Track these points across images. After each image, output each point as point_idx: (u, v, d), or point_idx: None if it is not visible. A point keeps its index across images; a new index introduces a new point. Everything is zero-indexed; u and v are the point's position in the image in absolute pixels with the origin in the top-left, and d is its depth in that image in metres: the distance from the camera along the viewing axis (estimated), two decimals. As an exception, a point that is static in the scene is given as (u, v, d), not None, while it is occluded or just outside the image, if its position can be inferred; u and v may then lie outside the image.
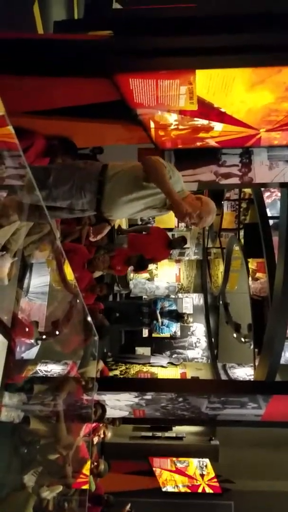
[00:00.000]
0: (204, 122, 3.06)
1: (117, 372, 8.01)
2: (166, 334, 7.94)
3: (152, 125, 3.18)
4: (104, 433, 5.00)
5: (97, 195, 2.64)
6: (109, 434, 5.09)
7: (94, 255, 5.54)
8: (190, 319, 8.05)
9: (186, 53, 2.42)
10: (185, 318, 7.66)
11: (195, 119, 3.01)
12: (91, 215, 5.53)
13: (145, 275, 11.11)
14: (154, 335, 10.39)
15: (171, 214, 2.92)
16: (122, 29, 2.54)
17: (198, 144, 3.54)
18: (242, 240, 7.08)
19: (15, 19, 3.29)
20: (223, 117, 2.97)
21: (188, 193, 2.75)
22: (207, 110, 2.85)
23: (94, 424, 4.64)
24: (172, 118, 3.03)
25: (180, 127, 3.17)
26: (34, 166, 2.42)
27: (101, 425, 4.92)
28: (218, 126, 3.14)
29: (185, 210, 2.51)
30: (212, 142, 3.50)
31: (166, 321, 7.33)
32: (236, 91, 2.62)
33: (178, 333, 10.68)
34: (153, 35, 2.49)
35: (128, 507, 3.75)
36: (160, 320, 7.23)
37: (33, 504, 3.54)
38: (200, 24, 2.41)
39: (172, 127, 3.19)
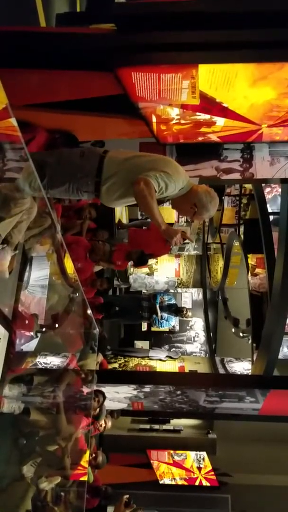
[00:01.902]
0: (206, 117, 3.06)
1: (116, 365, 8.05)
2: (165, 328, 7.97)
3: (154, 119, 3.18)
4: (105, 421, 5.03)
5: (94, 192, 2.61)
6: (109, 423, 5.13)
7: (93, 243, 5.54)
8: (189, 313, 8.08)
9: (189, 48, 2.42)
10: (184, 312, 7.69)
11: (197, 113, 3.01)
12: (92, 209, 5.58)
13: (145, 269, 11.13)
14: (153, 329, 10.43)
15: (171, 209, 2.93)
16: (125, 23, 2.53)
17: (200, 139, 3.54)
18: (242, 236, 7.10)
19: (18, 12, 3.29)
20: (225, 112, 2.97)
21: (192, 184, 2.73)
22: (209, 104, 2.85)
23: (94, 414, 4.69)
24: (174, 113, 3.03)
25: (182, 121, 3.17)
26: (31, 154, 2.36)
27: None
28: (220, 121, 3.14)
29: (175, 237, 2.50)
30: (213, 137, 3.50)
31: (165, 315, 7.36)
32: (239, 87, 2.62)
33: (177, 328, 10.71)
34: (156, 29, 2.48)
35: (125, 497, 3.78)
36: (159, 314, 7.26)
37: (32, 495, 3.58)
38: (204, 19, 2.41)
39: (174, 121, 3.19)
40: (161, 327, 7.67)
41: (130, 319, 7.95)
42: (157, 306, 7.26)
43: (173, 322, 7.82)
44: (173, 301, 7.66)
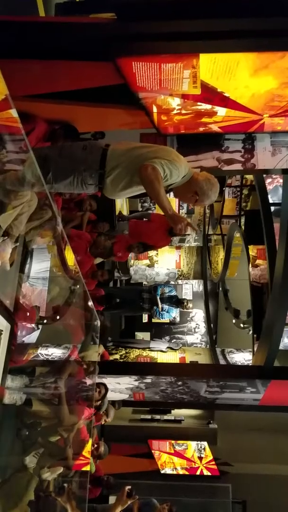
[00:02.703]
0: (207, 106, 3.04)
1: (117, 356, 8.09)
2: (166, 319, 7.96)
3: (154, 109, 3.16)
4: (106, 414, 5.07)
5: (98, 184, 2.63)
6: (111, 416, 5.15)
7: (95, 239, 5.55)
8: (190, 305, 8.07)
9: (190, 37, 2.40)
10: (185, 303, 7.69)
11: (198, 103, 2.99)
12: (92, 201, 5.56)
13: (146, 261, 11.13)
14: (154, 320, 10.46)
15: (172, 200, 2.93)
16: (125, 12, 2.50)
17: (201, 129, 3.52)
18: (243, 227, 7.08)
19: (17, 2, 3.25)
20: (226, 102, 2.95)
21: (193, 172, 2.72)
22: (210, 94, 2.83)
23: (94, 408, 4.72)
24: (175, 103, 3.01)
25: (183, 111, 3.15)
26: (34, 150, 2.37)
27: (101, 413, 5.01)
28: (221, 111, 3.12)
29: (182, 223, 2.51)
30: (215, 127, 3.48)
31: (166, 307, 7.37)
32: (240, 76, 2.60)
33: (178, 319, 10.73)
34: (156, 18, 2.46)
35: (128, 488, 3.80)
36: (160, 305, 7.26)
37: (34, 486, 3.61)
38: (205, 7, 2.38)
39: (175, 111, 3.17)
40: (162, 318, 7.67)
41: (131, 311, 7.95)
42: (158, 297, 7.26)
43: (174, 313, 7.81)
44: (173, 293, 7.66)
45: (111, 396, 5.11)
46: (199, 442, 7.86)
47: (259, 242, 5.82)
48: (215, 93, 2.81)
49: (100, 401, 4.75)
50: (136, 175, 2.51)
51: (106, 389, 4.77)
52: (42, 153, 2.62)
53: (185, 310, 8.69)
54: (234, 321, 7.30)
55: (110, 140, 3.63)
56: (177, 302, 7.52)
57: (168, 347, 8.67)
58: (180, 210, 10.19)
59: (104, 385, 4.79)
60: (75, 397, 4.58)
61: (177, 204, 9.68)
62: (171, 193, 2.86)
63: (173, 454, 7.80)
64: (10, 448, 3.68)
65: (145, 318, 10.61)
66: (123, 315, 9.63)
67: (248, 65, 2.50)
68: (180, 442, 7.91)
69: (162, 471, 7.72)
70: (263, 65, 2.49)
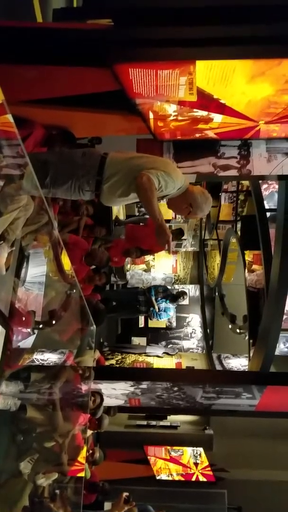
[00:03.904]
0: (204, 113, 3.06)
1: (113, 362, 8.06)
2: (164, 319, 7.82)
3: (151, 115, 3.17)
4: (99, 424, 5.02)
5: (95, 191, 2.65)
6: (105, 423, 5.12)
7: (92, 249, 5.54)
8: (185, 297, 7.98)
9: (187, 44, 2.41)
10: (181, 298, 7.57)
11: (195, 110, 3.00)
12: (89, 206, 5.56)
13: (142, 266, 11.13)
14: (150, 325, 10.45)
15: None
16: (122, 19, 2.52)
17: (197, 135, 3.54)
18: (239, 232, 7.10)
19: (14, 7, 3.26)
20: (222, 108, 2.96)
21: (188, 185, 2.75)
22: (206, 101, 2.84)
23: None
24: (171, 109, 3.02)
25: (179, 118, 3.17)
26: (32, 155, 2.38)
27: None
28: (217, 118, 3.14)
29: (167, 237, 2.53)
30: (211, 134, 3.50)
31: (162, 306, 7.29)
32: (236, 83, 2.61)
33: (174, 324, 10.73)
34: (153, 25, 2.47)
35: (125, 495, 3.78)
36: (156, 306, 7.21)
37: (29, 492, 3.59)
38: (201, 14, 2.40)
39: (171, 118, 3.18)
40: (160, 318, 7.57)
41: (128, 313, 7.90)
42: (153, 298, 7.22)
43: (172, 312, 7.69)
44: (168, 292, 7.55)
45: (107, 402, 5.08)
46: (195, 448, 7.83)
47: (255, 247, 5.83)
48: (211, 99, 2.82)
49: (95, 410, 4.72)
50: (133, 184, 2.54)
51: (102, 399, 4.73)
52: (41, 158, 2.64)
53: (182, 303, 8.59)
54: (230, 326, 7.30)
55: (107, 146, 3.65)
56: (173, 298, 7.44)
57: (164, 353, 8.65)
58: (177, 215, 10.21)
59: (100, 394, 4.75)
60: (70, 403, 4.55)
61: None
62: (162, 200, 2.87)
63: (169, 460, 7.77)
64: (4, 454, 3.65)
65: (141, 323, 10.60)
66: (120, 318, 9.59)
67: (245, 72, 2.52)
68: (176, 448, 7.87)
69: (158, 477, 7.68)
70: (259, 72, 2.50)
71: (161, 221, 2.53)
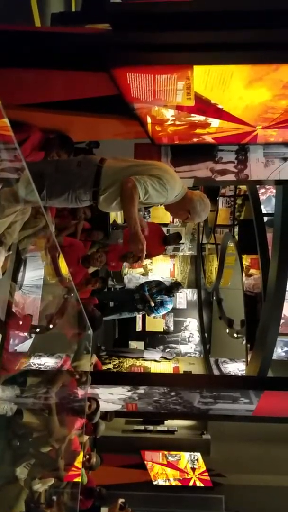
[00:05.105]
0: (201, 118, 3.06)
1: (110, 366, 8.03)
2: (163, 313, 7.61)
3: (149, 120, 3.17)
4: (95, 430, 4.99)
5: (92, 201, 2.65)
6: (102, 428, 5.09)
7: (91, 252, 5.54)
8: (181, 288, 7.84)
9: (184, 49, 2.42)
10: (175, 288, 7.41)
11: (192, 115, 3.01)
12: (87, 210, 5.56)
13: (140, 270, 11.13)
14: (148, 329, 10.43)
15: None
16: (120, 23, 2.52)
17: (195, 140, 3.54)
18: (237, 237, 7.11)
19: (12, 11, 3.26)
20: (220, 113, 2.97)
21: (187, 190, 2.76)
22: (204, 106, 2.85)
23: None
24: (169, 114, 3.03)
25: (177, 122, 3.17)
26: (28, 166, 2.37)
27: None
28: (215, 123, 3.14)
29: (140, 246, 2.53)
30: (208, 139, 3.50)
31: (158, 300, 7.20)
32: (234, 88, 2.62)
33: (172, 328, 10.73)
34: (151, 29, 2.47)
35: (121, 501, 3.76)
36: (151, 302, 7.13)
37: (25, 497, 3.56)
38: (199, 20, 2.40)
39: (169, 122, 3.18)
40: (159, 313, 7.46)
41: (127, 312, 7.78)
42: (147, 294, 7.15)
43: (170, 305, 7.54)
44: (162, 285, 7.43)
45: (104, 407, 5.06)
46: (192, 453, 7.80)
47: (253, 252, 5.84)
48: (209, 104, 2.82)
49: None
50: None
51: (98, 405, 4.70)
52: (36, 170, 2.61)
53: (179, 292, 8.45)
54: (228, 330, 7.29)
55: (105, 150, 3.65)
56: (168, 290, 7.35)
57: (161, 357, 8.62)
58: (175, 219, 10.23)
59: (96, 400, 4.73)
60: (67, 408, 4.53)
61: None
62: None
63: (166, 465, 7.73)
64: (0, 459, 3.63)
65: (139, 327, 10.59)
66: (119, 319, 9.52)
67: (242, 77, 2.52)
68: (173, 453, 7.84)
69: (155, 482, 7.64)
70: (257, 77, 2.51)
71: (136, 230, 2.52)
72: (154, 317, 8.35)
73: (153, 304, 7.09)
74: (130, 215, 2.50)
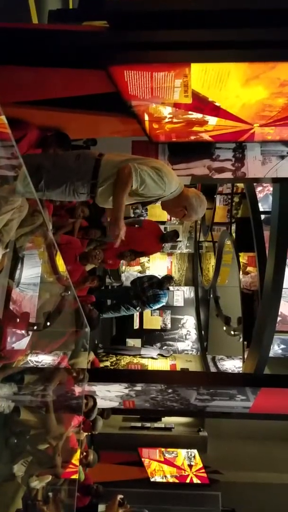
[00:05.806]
0: (199, 116, 3.06)
1: (107, 363, 8.04)
2: (158, 306, 7.58)
3: (146, 118, 3.17)
4: (93, 426, 5.00)
5: (90, 194, 2.66)
6: (99, 424, 5.10)
7: (88, 250, 5.53)
8: (172, 281, 7.80)
9: (182, 47, 2.41)
10: (166, 282, 7.37)
11: (190, 112, 3.01)
12: (84, 208, 5.55)
13: (137, 267, 11.13)
14: (145, 326, 10.44)
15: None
16: (117, 21, 2.51)
17: (192, 138, 3.54)
18: (234, 234, 7.11)
19: (10, 8, 3.26)
20: (217, 111, 2.97)
21: (183, 188, 2.77)
22: (201, 104, 2.85)
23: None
24: (166, 111, 3.03)
25: (174, 120, 3.17)
26: (26, 158, 2.37)
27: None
28: (212, 120, 3.14)
29: (117, 232, 2.55)
30: (206, 136, 3.50)
31: (150, 294, 7.15)
32: (231, 86, 2.62)
33: (169, 325, 10.74)
34: (149, 27, 2.47)
35: (119, 497, 3.77)
36: (143, 296, 7.13)
37: (22, 494, 3.57)
38: (196, 17, 2.40)
39: (166, 120, 3.18)
40: (152, 307, 7.41)
41: (126, 308, 7.75)
42: (139, 289, 7.16)
43: (164, 299, 7.44)
44: (154, 279, 7.42)
45: (101, 404, 5.07)
46: (189, 450, 7.83)
47: (250, 250, 5.85)
48: (206, 102, 2.82)
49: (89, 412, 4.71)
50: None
51: (95, 403, 4.71)
52: (35, 161, 2.64)
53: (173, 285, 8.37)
54: (224, 328, 7.30)
55: (102, 148, 3.65)
56: (158, 283, 7.26)
57: (159, 354, 8.64)
58: (172, 217, 10.22)
59: (93, 398, 4.74)
60: (64, 406, 4.54)
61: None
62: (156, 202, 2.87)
63: (163, 462, 7.76)
64: (-2, 456, 3.64)
65: (136, 324, 10.60)
66: (116, 317, 9.52)
67: (239, 75, 2.52)
68: (170, 450, 7.87)
69: (152, 479, 7.66)
70: (254, 75, 2.51)
71: (119, 215, 2.55)
72: (151, 312, 8.34)
73: (147, 299, 7.09)
74: (118, 200, 2.52)
